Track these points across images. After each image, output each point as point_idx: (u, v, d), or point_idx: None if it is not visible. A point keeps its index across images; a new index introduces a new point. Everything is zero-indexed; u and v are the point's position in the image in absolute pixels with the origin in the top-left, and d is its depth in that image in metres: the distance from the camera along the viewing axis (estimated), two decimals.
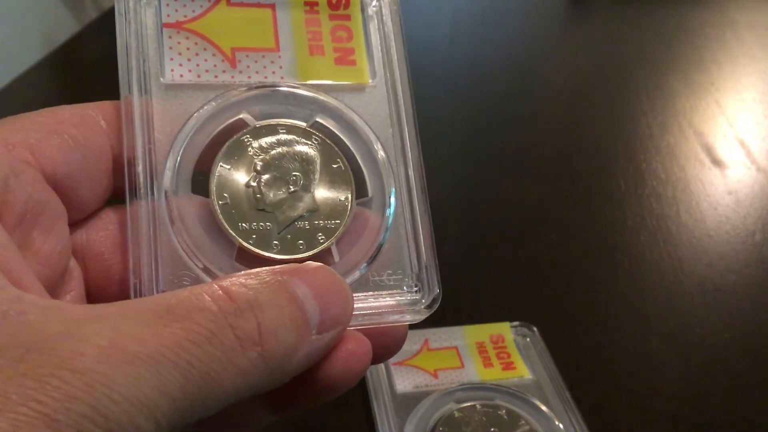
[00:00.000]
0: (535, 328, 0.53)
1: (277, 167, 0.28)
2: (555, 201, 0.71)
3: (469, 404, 0.46)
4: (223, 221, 0.27)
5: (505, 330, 0.52)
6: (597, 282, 0.60)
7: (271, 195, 0.28)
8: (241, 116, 0.29)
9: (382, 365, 0.49)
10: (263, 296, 0.22)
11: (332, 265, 0.28)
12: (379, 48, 0.31)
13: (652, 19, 1.15)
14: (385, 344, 0.28)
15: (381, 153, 0.30)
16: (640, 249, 0.64)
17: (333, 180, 0.29)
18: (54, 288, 0.25)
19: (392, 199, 0.29)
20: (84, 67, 0.92)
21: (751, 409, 0.49)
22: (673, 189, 0.72)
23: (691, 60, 1.04)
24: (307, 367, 0.24)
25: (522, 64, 1.02)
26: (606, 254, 0.64)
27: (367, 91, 0.31)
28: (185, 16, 0.29)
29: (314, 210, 0.28)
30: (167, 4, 0.29)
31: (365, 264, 0.28)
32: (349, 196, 0.29)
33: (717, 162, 0.77)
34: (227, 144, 0.28)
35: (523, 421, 0.45)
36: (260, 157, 0.28)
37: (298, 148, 0.29)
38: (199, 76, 0.28)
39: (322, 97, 0.30)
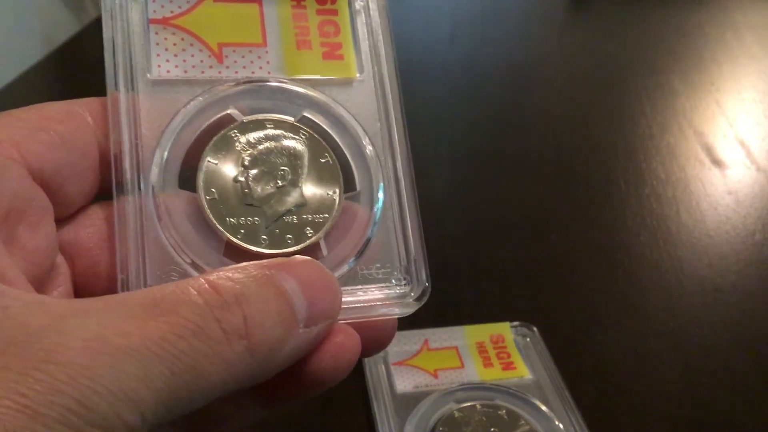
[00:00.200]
0: (535, 328, 0.52)
1: (265, 162, 0.28)
2: (555, 201, 0.71)
3: (469, 404, 0.46)
4: (210, 216, 0.27)
5: (505, 330, 0.52)
6: (597, 282, 0.60)
7: (259, 190, 0.28)
8: (228, 111, 0.29)
9: (382, 365, 0.49)
10: (250, 290, 0.22)
11: (321, 259, 0.28)
12: (367, 42, 0.31)
13: (652, 19, 1.15)
14: (375, 338, 0.28)
15: (369, 147, 0.30)
16: (640, 249, 0.64)
17: (321, 174, 0.29)
18: (41, 284, 0.25)
19: (380, 193, 0.29)
20: (84, 67, 0.92)
21: (751, 409, 0.49)
22: (673, 189, 0.72)
23: (691, 60, 1.04)
24: (294, 361, 0.24)
25: (522, 64, 1.02)
26: (606, 254, 0.63)
27: (355, 85, 0.31)
28: (172, 12, 0.29)
29: (302, 204, 0.28)
30: (153, 0, 0.29)
31: (354, 258, 0.28)
32: (338, 190, 0.29)
33: (717, 162, 0.77)
34: (215, 139, 0.28)
35: (523, 421, 0.45)
36: (248, 152, 0.28)
37: (286, 142, 0.29)
38: (186, 72, 0.28)
39: (309, 91, 0.30)
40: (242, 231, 0.27)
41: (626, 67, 0.99)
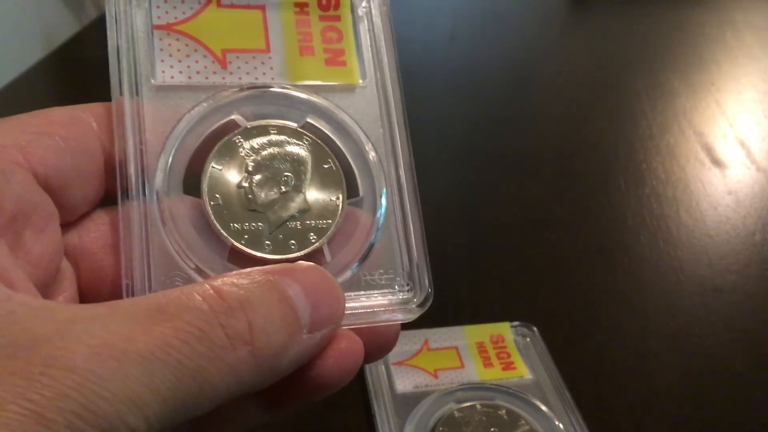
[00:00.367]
0: (535, 328, 0.52)
1: (269, 168, 0.28)
2: (555, 201, 0.71)
3: (469, 404, 0.46)
4: (214, 222, 0.27)
5: (505, 330, 0.52)
6: (597, 282, 0.60)
7: (263, 195, 0.28)
8: (232, 117, 0.29)
9: (382, 365, 0.49)
10: (254, 295, 0.23)
11: (324, 265, 0.28)
12: (369, 48, 0.31)
13: (652, 19, 1.15)
14: (378, 343, 0.28)
15: (372, 153, 0.30)
16: (640, 249, 0.64)
17: (324, 180, 0.29)
18: (46, 289, 0.25)
19: (383, 199, 0.29)
20: (84, 67, 0.93)
21: (751, 409, 0.49)
22: (673, 189, 0.72)
23: (691, 60, 1.04)
24: (298, 366, 0.24)
25: (522, 64, 1.02)
26: (606, 254, 0.63)
27: (358, 91, 0.31)
28: (176, 18, 0.29)
29: (306, 210, 0.28)
30: (158, 6, 0.29)
31: (357, 263, 0.29)
32: (341, 196, 0.29)
33: (717, 162, 0.77)
34: (219, 145, 0.28)
35: (523, 421, 0.45)
36: (252, 157, 0.28)
37: (290, 148, 0.29)
38: (189, 78, 0.28)
39: (312, 97, 0.30)
40: (246, 236, 0.27)
41: (626, 67, 0.99)
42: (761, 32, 1.12)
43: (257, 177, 0.28)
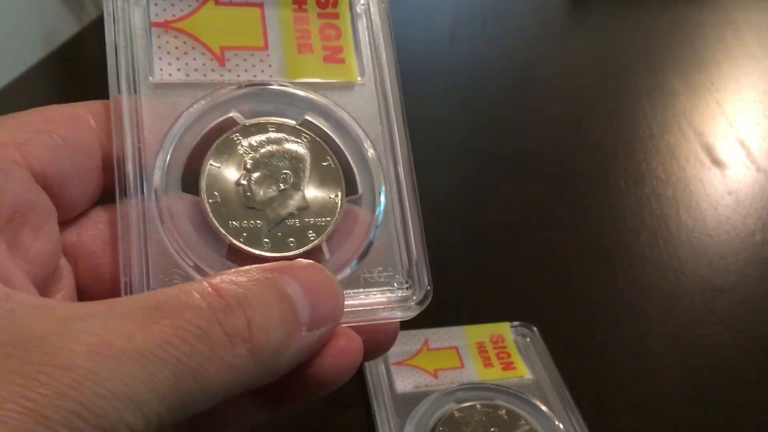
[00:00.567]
0: (535, 328, 0.52)
1: (267, 165, 0.28)
2: (555, 201, 0.71)
3: (469, 404, 0.46)
4: (213, 219, 0.27)
5: (505, 330, 0.52)
6: (597, 282, 0.60)
7: (261, 193, 0.28)
8: (230, 115, 0.29)
9: (382, 365, 0.49)
10: (253, 293, 0.23)
11: (323, 263, 0.28)
12: (368, 46, 0.31)
13: (652, 19, 1.15)
14: (377, 341, 0.28)
15: (371, 150, 0.30)
16: (640, 249, 0.64)
17: (323, 178, 0.29)
18: (44, 287, 0.25)
19: (382, 197, 0.29)
20: (84, 67, 0.93)
21: (751, 409, 0.49)
22: (673, 189, 0.72)
23: (691, 60, 1.04)
24: (297, 364, 0.24)
25: (522, 64, 1.02)
26: (606, 254, 0.63)
27: (356, 88, 0.31)
28: (174, 16, 0.29)
29: (304, 208, 0.28)
30: (155, 4, 0.29)
31: (356, 261, 0.29)
32: (339, 193, 0.29)
33: (717, 162, 0.77)
34: (217, 142, 0.28)
35: (523, 421, 0.45)
36: (250, 155, 0.28)
37: (288, 146, 0.29)
38: (188, 75, 0.28)
39: (311, 95, 0.30)
40: (244, 234, 0.27)
41: (626, 67, 0.99)
42: (761, 32, 1.12)
43: (256, 174, 0.28)
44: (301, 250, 0.28)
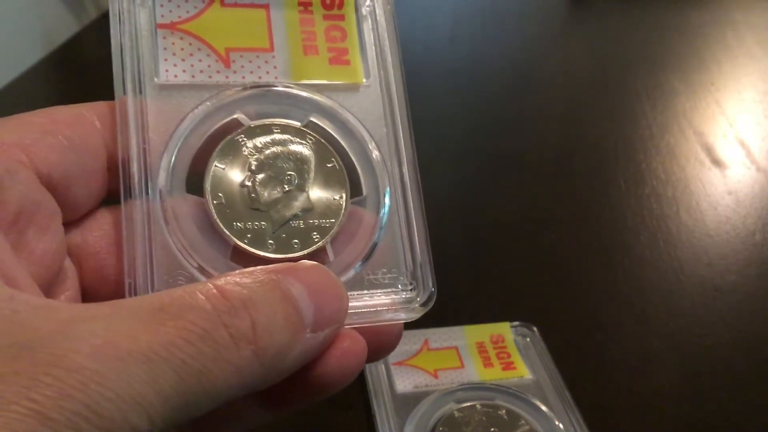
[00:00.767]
0: (535, 328, 0.52)
1: (272, 167, 0.28)
2: (555, 201, 0.71)
3: (469, 404, 0.46)
4: (217, 221, 0.27)
5: (505, 330, 0.52)
6: (597, 282, 0.60)
7: (266, 194, 0.28)
8: (235, 116, 0.29)
9: (382, 365, 0.49)
10: (257, 295, 0.22)
11: (327, 264, 0.27)
12: (373, 48, 0.31)
13: (652, 19, 1.15)
14: (381, 342, 0.28)
15: (375, 152, 0.30)
16: (640, 249, 0.64)
17: (327, 179, 0.29)
18: (49, 288, 0.25)
19: (387, 198, 0.29)
20: (84, 67, 0.93)
21: (751, 409, 0.49)
22: (673, 189, 0.72)
23: (691, 60, 1.04)
24: (301, 366, 0.24)
25: (522, 64, 1.02)
26: (606, 254, 0.63)
27: (361, 90, 0.31)
28: (179, 17, 0.29)
29: (309, 209, 0.28)
30: (161, 5, 0.29)
31: (360, 263, 0.29)
32: (344, 195, 0.29)
33: (717, 162, 0.77)
34: (222, 144, 0.28)
35: (523, 421, 0.45)
36: (255, 156, 0.28)
37: (293, 147, 0.29)
38: (193, 77, 0.28)
39: (316, 96, 0.30)
40: (249, 235, 0.27)
41: (626, 67, 0.99)
42: (761, 32, 1.12)
43: (260, 176, 0.28)
44: (305, 252, 0.28)
